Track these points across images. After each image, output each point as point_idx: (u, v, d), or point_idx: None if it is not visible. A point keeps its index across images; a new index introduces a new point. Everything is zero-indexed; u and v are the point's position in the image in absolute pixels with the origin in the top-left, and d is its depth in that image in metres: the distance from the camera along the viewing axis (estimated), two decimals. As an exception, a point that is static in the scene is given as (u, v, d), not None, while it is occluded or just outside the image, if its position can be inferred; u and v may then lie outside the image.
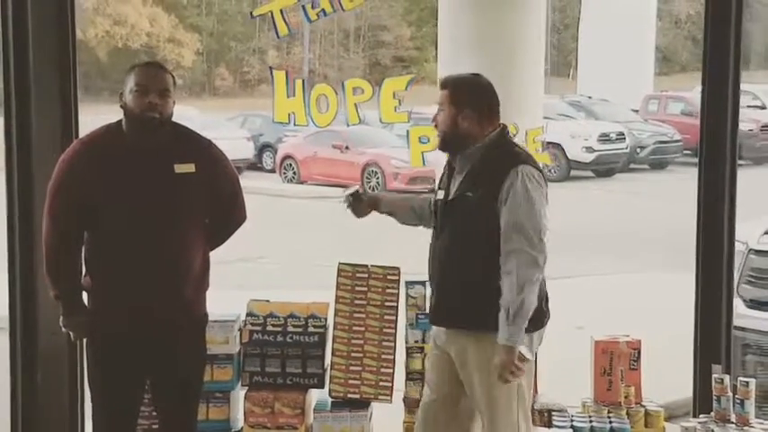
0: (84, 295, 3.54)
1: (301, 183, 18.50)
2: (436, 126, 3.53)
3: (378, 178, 17.35)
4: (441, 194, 3.54)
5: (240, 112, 23.47)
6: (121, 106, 3.45)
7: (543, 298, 3.43)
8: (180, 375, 3.59)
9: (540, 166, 3.51)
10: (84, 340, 3.59)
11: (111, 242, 3.41)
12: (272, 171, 19.74)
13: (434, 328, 3.63)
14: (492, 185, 3.32)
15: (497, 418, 3.39)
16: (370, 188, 17.45)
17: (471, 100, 3.46)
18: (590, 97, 22.37)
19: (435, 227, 3.55)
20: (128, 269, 3.41)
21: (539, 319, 3.40)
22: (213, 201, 3.55)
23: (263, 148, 20.84)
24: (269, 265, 11.00)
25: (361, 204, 3.80)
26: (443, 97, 3.49)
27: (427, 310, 4.29)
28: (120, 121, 3.50)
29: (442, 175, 3.62)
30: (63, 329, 3.57)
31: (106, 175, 3.37)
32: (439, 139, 3.54)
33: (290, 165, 18.82)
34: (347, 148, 17.75)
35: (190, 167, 3.46)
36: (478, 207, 3.35)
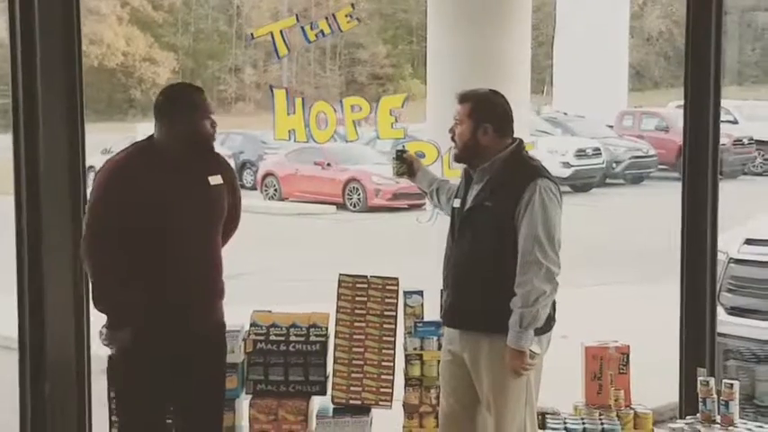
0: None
1: (282, 200, 18.60)
2: (453, 138, 3.70)
3: (359, 195, 17.49)
4: (457, 203, 3.71)
5: (219, 129, 23.51)
6: (182, 130, 3.55)
7: (551, 303, 3.61)
8: (212, 383, 3.73)
9: (556, 179, 3.68)
10: (113, 356, 3.66)
11: (158, 256, 3.52)
12: (254, 188, 19.84)
13: (446, 333, 3.78)
14: (511, 197, 3.51)
15: (505, 417, 3.56)
16: (351, 204, 17.60)
17: (491, 115, 3.64)
18: (566, 113, 22.69)
19: (452, 233, 3.71)
20: (175, 280, 3.54)
21: (547, 322, 3.59)
22: (229, 209, 3.74)
23: (243, 166, 20.95)
24: (253, 282, 11.10)
25: (403, 165, 4.03)
26: (462, 111, 3.66)
27: (425, 317, 4.48)
28: (150, 138, 3.64)
29: (459, 183, 3.79)
30: (105, 343, 3.62)
31: (150, 190, 3.49)
32: (456, 151, 3.71)
33: (272, 182, 18.92)
34: (329, 164, 17.87)
35: (219, 179, 3.66)
36: (496, 216, 3.53)
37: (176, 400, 3.74)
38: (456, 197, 3.76)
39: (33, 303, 4.35)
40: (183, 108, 3.56)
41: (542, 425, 4.36)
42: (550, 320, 3.62)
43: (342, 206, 17.57)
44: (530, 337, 3.47)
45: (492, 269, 3.54)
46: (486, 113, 3.64)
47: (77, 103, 4.43)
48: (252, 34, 4.64)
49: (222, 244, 3.82)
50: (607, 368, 4.57)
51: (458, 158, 3.73)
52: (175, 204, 3.52)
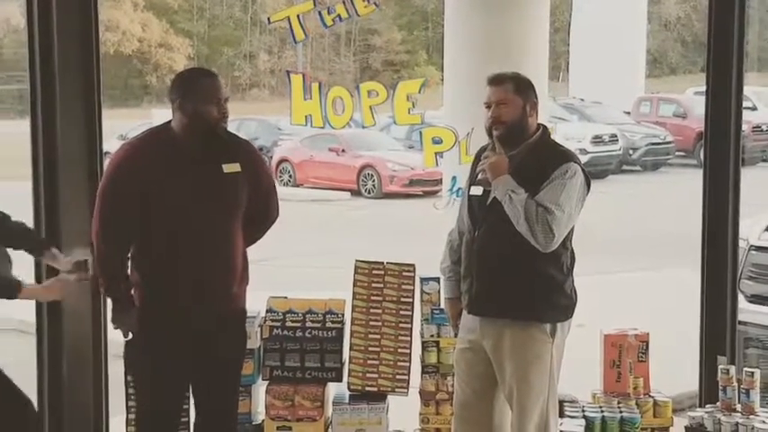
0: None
1: (297, 186, 18.58)
2: (497, 121, 3.58)
3: (374, 181, 17.46)
4: (477, 190, 3.66)
5: (234, 116, 23.54)
6: (188, 115, 3.52)
7: (573, 290, 3.59)
8: (225, 369, 3.71)
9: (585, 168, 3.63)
10: (128, 338, 3.65)
11: (163, 240, 3.51)
12: (268, 174, 19.79)
13: (465, 320, 3.74)
14: (539, 182, 3.47)
15: (527, 406, 3.53)
16: (366, 191, 17.55)
17: (533, 92, 3.63)
18: (582, 99, 22.56)
19: (473, 220, 3.66)
20: (179, 266, 3.52)
21: (569, 308, 3.58)
22: (253, 199, 3.67)
23: (258, 152, 20.90)
24: (268, 268, 11.11)
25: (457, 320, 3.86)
26: (504, 91, 3.58)
27: (441, 305, 4.45)
28: (167, 124, 3.61)
29: (476, 171, 3.73)
30: (113, 326, 3.64)
31: (158, 175, 3.47)
32: (502, 131, 3.58)
33: (286, 168, 18.90)
34: (343, 151, 17.84)
35: (236, 167, 3.59)
36: None
37: (194, 385, 3.74)
38: (473, 184, 3.72)
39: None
40: (189, 92, 3.52)
41: (560, 413, 4.33)
42: (573, 305, 3.60)
43: (356, 192, 17.54)
44: (507, 183, 3.47)
45: (519, 256, 3.49)
46: (529, 89, 3.63)
47: (95, 90, 4.41)
48: (269, 19, 4.61)
49: (253, 234, 3.78)
50: (626, 356, 4.54)
51: (503, 138, 3.59)
52: (181, 190, 3.49)
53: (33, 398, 4.40)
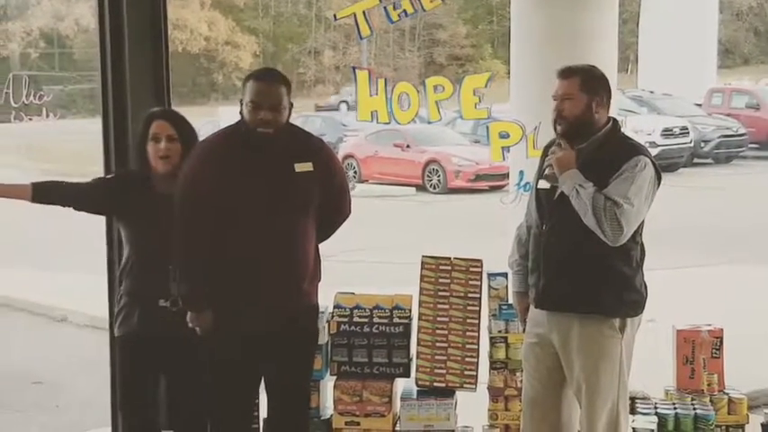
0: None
1: (362, 182, 18.61)
2: (560, 116, 3.55)
3: (439, 177, 17.42)
4: (544, 184, 3.63)
5: (299, 113, 23.73)
6: (240, 113, 3.59)
7: (643, 285, 3.53)
8: (296, 365, 3.75)
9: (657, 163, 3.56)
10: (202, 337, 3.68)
11: (234, 239, 3.54)
12: (334, 171, 19.88)
13: (532, 315, 3.72)
14: (608, 175, 3.42)
15: (597, 403, 3.50)
16: (431, 186, 17.50)
17: (602, 88, 3.58)
18: (652, 92, 22.18)
19: (540, 215, 3.63)
20: (249, 264, 3.54)
21: (639, 303, 3.53)
22: (325, 197, 3.69)
23: (323, 148, 20.99)
24: (335, 264, 11.15)
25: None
26: (571, 85, 3.54)
27: (510, 301, 4.42)
28: (239, 122, 3.63)
29: (544, 164, 3.69)
30: (190, 325, 3.65)
31: (228, 175, 3.51)
32: (564, 127, 3.55)
33: (351, 164, 18.94)
34: (408, 146, 17.83)
35: (308, 166, 3.60)
36: None
37: (266, 380, 3.78)
38: (541, 178, 3.67)
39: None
40: (244, 93, 3.55)
41: (632, 409, 4.26)
42: (644, 301, 3.54)
43: (421, 188, 17.52)
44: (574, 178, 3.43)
45: (587, 251, 3.45)
46: (598, 85, 3.57)
47: (164, 88, 4.48)
48: (335, 15, 4.63)
49: (326, 231, 3.80)
50: (699, 352, 4.45)
51: (566, 134, 3.56)
52: (246, 188, 3.51)
53: (109, 393, 4.51)
